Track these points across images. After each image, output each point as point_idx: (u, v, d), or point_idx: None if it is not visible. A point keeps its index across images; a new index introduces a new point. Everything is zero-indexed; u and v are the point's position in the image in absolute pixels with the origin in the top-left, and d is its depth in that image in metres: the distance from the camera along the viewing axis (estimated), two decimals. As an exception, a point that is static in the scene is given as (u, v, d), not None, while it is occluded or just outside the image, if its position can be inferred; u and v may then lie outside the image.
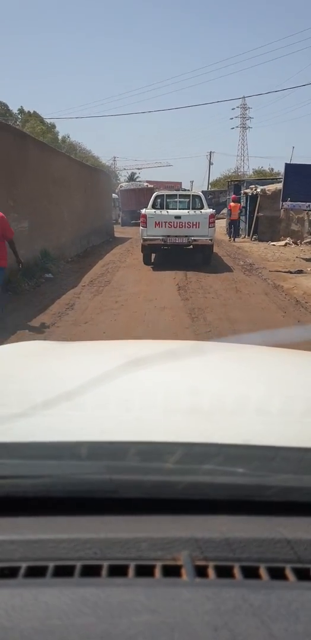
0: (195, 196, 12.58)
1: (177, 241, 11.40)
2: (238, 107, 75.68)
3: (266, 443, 0.77)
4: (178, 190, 18.40)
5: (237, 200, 20.41)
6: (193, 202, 12.18)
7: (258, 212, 19.59)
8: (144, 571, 0.56)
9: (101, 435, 0.83)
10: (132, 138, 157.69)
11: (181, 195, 12.73)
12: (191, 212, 11.70)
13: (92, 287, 9.61)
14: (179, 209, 11.88)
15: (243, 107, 76.80)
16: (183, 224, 11.35)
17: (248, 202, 21.16)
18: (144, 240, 11.51)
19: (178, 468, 0.70)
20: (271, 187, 19.57)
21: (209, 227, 11.41)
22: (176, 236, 11.35)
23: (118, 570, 0.56)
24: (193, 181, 50.78)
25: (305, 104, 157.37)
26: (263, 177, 31.14)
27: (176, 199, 12.37)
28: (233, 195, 21.60)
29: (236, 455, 0.74)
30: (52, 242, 12.10)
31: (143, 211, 11.72)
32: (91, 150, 55.47)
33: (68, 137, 49.09)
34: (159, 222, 11.33)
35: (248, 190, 21.63)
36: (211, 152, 55.78)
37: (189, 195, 12.75)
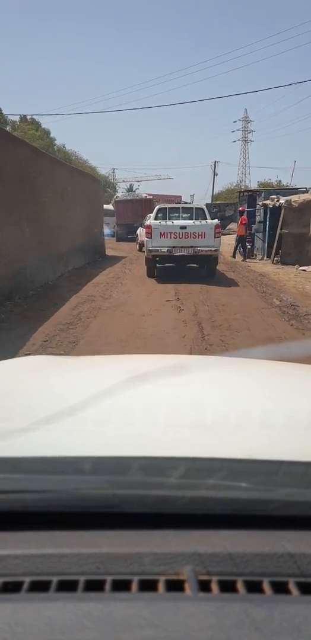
0: (198, 209, 12.54)
1: (183, 252, 11.16)
2: (239, 119, 75.83)
3: (269, 457, 0.77)
4: (178, 203, 18.67)
5: (242, 214, 18.04)
6: (196, 215, 12.09)
7: (281, 229, 15.61)
8: (148, 586, 0.56)
9: (104, 450, 0.83)
10: (132, 148, 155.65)
11: (183, 209, 12.80)
12: (197, 222, 11.49)
13: (46, 351, 5.73)
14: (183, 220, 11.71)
15: (244, 120, 76.64)
16: (189, 235, 11.09)
17: (268, 216, 17.21)
18: (150, 251, 11.25)
19: (181, 483, 0.70)
20: (297, 198, 15.56)
21: (215, 238, 11.14)
22: (181, 247, 11.11)
23: (121, 585, 0.56)
24: (193, 194, 49.88)
25: (307, 116, 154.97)
26: (280, 188, 27.24)
27: (178, 212, 12.31)
28: (241, 207, 19.25)
29: (239, 470, 0.74)
30: (1, 270, 8.04)
31: (148, 222, 11.69)
32: (88, 160, 52.67)
33: (64, 146, 45.49)
34: (164, 233, 11.11)
35: (268, 202, 17.64)
36: (215, 162, 52.01)
37: (192, 208, 12.79)
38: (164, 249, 11.13)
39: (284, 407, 1.13)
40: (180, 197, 48.70)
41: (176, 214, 12.23)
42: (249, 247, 18.29)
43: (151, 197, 29.14)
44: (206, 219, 11.94)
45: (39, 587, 0.56)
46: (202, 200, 47.81)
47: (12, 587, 0.56)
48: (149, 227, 11.29)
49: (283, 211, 15.54)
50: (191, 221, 11.55)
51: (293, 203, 15.46)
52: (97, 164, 58.16)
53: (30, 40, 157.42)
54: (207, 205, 36.34)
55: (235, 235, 18.59)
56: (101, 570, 0.58)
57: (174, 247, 11.09)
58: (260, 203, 18.99)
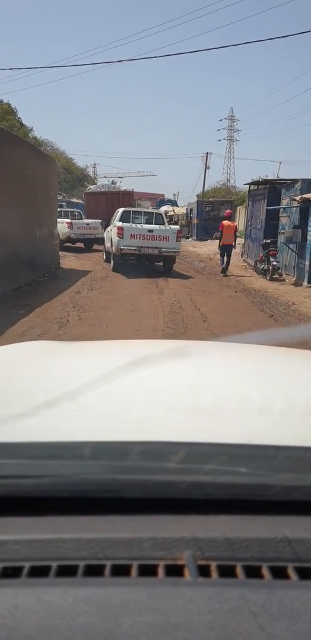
0: (158, 214, 14.51)
1: (149, 252, 12.66)
2: (225, 118, 72.42)
3: (268, 442, 0.77)
4: (148, 208, 20.18)
5: (231, 217, 14.44)
6: (156, 219, 13.90)
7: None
8: (147, 571, 0.56)
9: (103, 435, 0.82)
10: (115, 144, 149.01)
11: (145, 213, 14.55)
12: (162, 227, 13.26)
13: None
14: (144, 223, 13.27)
15: (230, 119, 73.32)
16: (155, 237, 12.65)
17: (299, 218, 10.97)
18: (121, 249, 12.52)
19: (180, 468, 0.70)
20: None
21: (176, 241, 12.93)
22: (148, 247, 12.59)
23: (121, 570, 0.56)
24: (178, 192, 47.72)
25: (294, 116, 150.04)
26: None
27: (140, 216, 13.94)
28: (228, 210, 15.58)
29: (238, 455, 0.74)
30: None
31: (120, 224, 12.69)
32: (66, 151, 46.60)
33: (32, 129, 38.52)
34: (134, 234, 12.54)
35: (297, 198, 11.36)
36: (207, 154, 45.32)
37: (152, 212, 14.69)
38: (134, 248, 12.50)
39: (283, 393, 1.13)
40: (163, 195, 47.77)
41: (138, 217, 13.70)
42: (275, 263, 11.88)
43: (132, 189, 22.72)
44: (164, 223, 13.88)
45: (39, 572, 0.56)
46: (188, 199, 46.50)
47: (12, 572, 0.56)
48: (121, 228, 12.48)
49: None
50: (157, 226, 13.15)
51: None
52: (78, 160, 52.36)
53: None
54: (199, 202, 30.02)
55: (218, 243, 14.24)
56: (100, 555, 0.58)
57: (142, 247, 12.52)
58: (286, 200, 12.56)
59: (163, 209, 36.31)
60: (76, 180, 50.35)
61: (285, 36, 24.04)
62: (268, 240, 13.34)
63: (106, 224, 16.11)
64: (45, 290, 9.82)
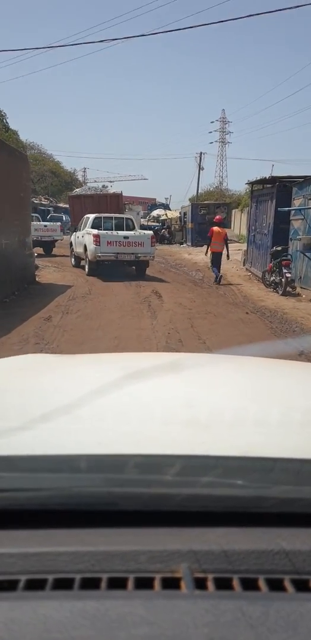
0: (128, 219, 14.66)
1: (126, 257, 13.18)
2: (217, 120, 70.15)
3: (264, 455, 0.77)
4: (121, 213, 18.11)
5: (222, 223, 13.28)
6: (126, 224, 14.19)
7: None
8: (144, 584, 0.56)
9: (99, 448, 0.82)
10: (104, 146, 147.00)
11: (115, 218, 14.47)
12: (137, 233, 13.88)
13: None
14: (115, 229, 13.65)
15: (222, 121, 70.96)
16: (131, 243, 13.15)
17: None
18: (98, 256, 12.95)
19: (176, 480, 0.70)
20: None
21: (151, 246, 13.49)
22: (125, 253, 13.07)
23: (117, 583, 0.56)
24: (170, 196, 48.28)
25: (285, 117, 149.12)
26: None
27: (111, 221, 14.13)
28: (218, 216, 14.50)
29: (235, 467, 0.74)
30: None
31: (96, 232, 13.03)
32: (53, 154, 44.75)
33: (16, 132, 36.32)
34: (111, 242, 12.96)
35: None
36: (201, 153, 43.19)
37: (123, 217, 14.73)
38: (111, 255, 13.00)
39: (279, 405, 1.12)
40: (155, 199, 46.68)
41: (110, 222, 14.04)
42: (289, 274, 9.88)
43: (120, 192, 20.64)
44: (134, 227, 14.44)
45: (35, 585, 0.56)
46: (181, 202, 45.57)
47: (8, 586, 0.55)
48: (97, 235, 12.94)
49: None
50: (132, 232, 13.76)
51: None
52: (67, 164, 50.62)
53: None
54: (194, 206, 28.19)
55: (206, 250, 13.23)
56: (96, 568, 0.58)
57: (118, 253, 13.04)
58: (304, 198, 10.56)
59: (155, 213, 34.49)
60: (63, 185, 48.26)
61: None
62: (279, 248, 11.34)
63: (74, 228, 16.64)
64: (5, 316, 7.68)
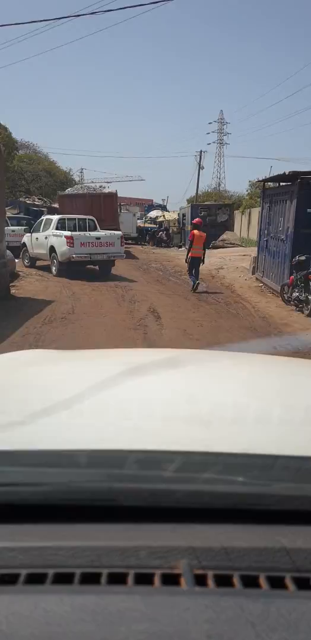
0: (90, 220, 15.00)
1: (98, 257, 13.68)
2: (215, 121, 69.52)
3: (265, 452, 0.77)
4: (116, 214, 18.71)
5: (200, 226, 11.80)
6: (89, 224, 14.72)
7: None
8: (143, 579, 0.56)
9: (100, 444, 0.82)
10: (101, 146, 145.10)
11: (78, 219, 14.97)
12: (107, 233, 14.23)
13: None
14: (78, 230, 14.17)
15: (220, 122, 70.34)
16: (103, 243, 13.62)
17: None
18: (72, 257, 13.14)
19: (176, 476, 0.70)
20: None
21: (121, 246, 14.01)
22: (97, 253, 13.58)
23: (117, 578, 0.56)
24: (167, 197, 47.37)
25: (283, 119, 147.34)
26: None
27: (75, 222, 14.74)
28: (197, 218, 13.37)
29: (235, 464, 0.74)
30: None
31: (69, 234, 13.36)
32: (49, 153, 42.97)
33: (6, 127, 34.24)
34: (84, 243, 13.31)
35: None
36: (201, 152, 40.99)
37: (85, 218, 15.05)
38: (85, 255, 13.36)
39: (280, 402, 1.11)
40: (151, 200, 46.04)
41: (73, 223, 14.56)
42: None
43: (115, 191, 18.69)
44: (96, 227, 14.74)
45: (35, 579, 0.56)
46: (178, 203, 45.95)
47: (9, 580, 0.56)
48: (71, 237, 13.18)
49: None
50: (103, 232, 14.29)
51: None
52: (63, 164, 48.90)
53: None
54: (194, 207, 26.32)
55: (186, 255, 11.84)
56: (96, 563, 0.58)
57: (92, 253, 13.47)
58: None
59: (152, 214, 32.51)
60: (58, 185, 46.15)
61: None
62: (303, 257, 9.32)
63: (29, 228, 16.29)
64: None
